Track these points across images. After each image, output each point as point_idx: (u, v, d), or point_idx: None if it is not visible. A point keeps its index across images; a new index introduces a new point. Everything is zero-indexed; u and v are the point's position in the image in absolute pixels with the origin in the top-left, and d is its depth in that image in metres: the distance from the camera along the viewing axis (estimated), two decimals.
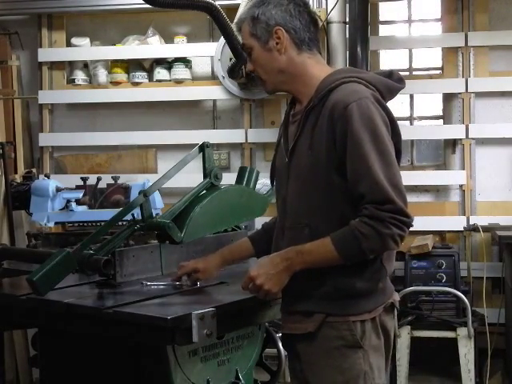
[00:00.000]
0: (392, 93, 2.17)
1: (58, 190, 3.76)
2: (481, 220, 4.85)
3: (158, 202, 3.69)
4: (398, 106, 5.28)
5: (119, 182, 3.83)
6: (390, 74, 2.19)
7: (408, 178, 4.70)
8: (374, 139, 1.99)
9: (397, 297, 2.21)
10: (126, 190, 3.75)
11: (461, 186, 5.02)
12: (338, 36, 4.73)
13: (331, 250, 1.99)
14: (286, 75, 2.16)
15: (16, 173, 5.08)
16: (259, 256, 2.48)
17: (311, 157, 2.07)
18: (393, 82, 2.18)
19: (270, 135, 5.00)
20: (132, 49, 5.27)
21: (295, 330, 2.12)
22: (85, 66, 5.42)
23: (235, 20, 2.27)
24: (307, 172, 2.08)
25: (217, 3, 4.25)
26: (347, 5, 4.65)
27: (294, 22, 2.14)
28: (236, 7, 4.61)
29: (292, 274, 2.04)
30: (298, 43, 2.15)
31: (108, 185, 3.82)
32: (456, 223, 4.98)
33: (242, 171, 3.04)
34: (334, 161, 2.02)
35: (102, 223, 2.65)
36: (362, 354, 2.05)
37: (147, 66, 5.35)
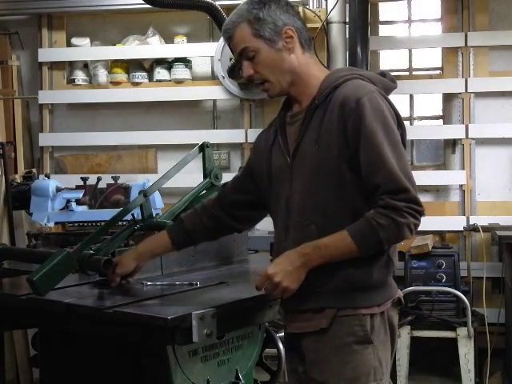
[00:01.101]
0: (387, 92, 2.19)
1: (58, 190, 3.76)
2: (481, 220, 4.86)
3: (158, 202, 3.68)
4: (398, 106, 5.26)
5: (119, 182, 3.83)
6: (384, 75, 2.22)
7: None
8: (386, 131, 2.02)
9: (401, 293, 2.21)
10: (126, 189, 3.75)
11: (461, 185, 5.02)
12: (337, 36, 4.72)
13: (349, 243, 1.98)
14: (293, 75, 2.14)
15: (16, 173, 5.08)
16: (178, 248, 2.47)
17: (318, 152, 2.06)
18: (388, 81, 2.21)
19: None
20: (132, 49, 5.27)
21: (305, 329, 2.10)
22: (85, 66, 5.42)
23: (224, 27, 2.22)
24: (315, 169, 2.07)
25: (217, 3, 4.25)
26: (347, 5, 4.65)
27: (296, 22, 2.15)
28: (236, 7, 4.60)
29: (309, 270, 2.02)
30: (302, 43, 2.16)
31: (108, 185, 3.82)
32: (456, 223, 4.98)
33: None
34: (345, 155, 2.02)
35: (102, 223, 2.65)
36: (372, 350, 2.05)
37: (147, 66, 5.35)
